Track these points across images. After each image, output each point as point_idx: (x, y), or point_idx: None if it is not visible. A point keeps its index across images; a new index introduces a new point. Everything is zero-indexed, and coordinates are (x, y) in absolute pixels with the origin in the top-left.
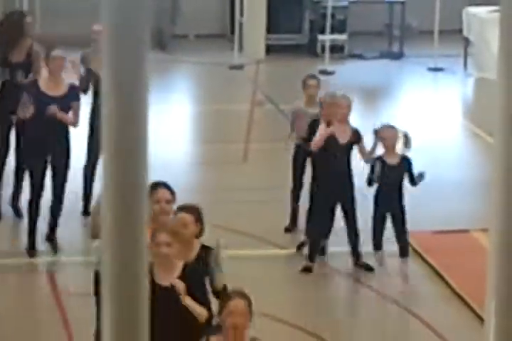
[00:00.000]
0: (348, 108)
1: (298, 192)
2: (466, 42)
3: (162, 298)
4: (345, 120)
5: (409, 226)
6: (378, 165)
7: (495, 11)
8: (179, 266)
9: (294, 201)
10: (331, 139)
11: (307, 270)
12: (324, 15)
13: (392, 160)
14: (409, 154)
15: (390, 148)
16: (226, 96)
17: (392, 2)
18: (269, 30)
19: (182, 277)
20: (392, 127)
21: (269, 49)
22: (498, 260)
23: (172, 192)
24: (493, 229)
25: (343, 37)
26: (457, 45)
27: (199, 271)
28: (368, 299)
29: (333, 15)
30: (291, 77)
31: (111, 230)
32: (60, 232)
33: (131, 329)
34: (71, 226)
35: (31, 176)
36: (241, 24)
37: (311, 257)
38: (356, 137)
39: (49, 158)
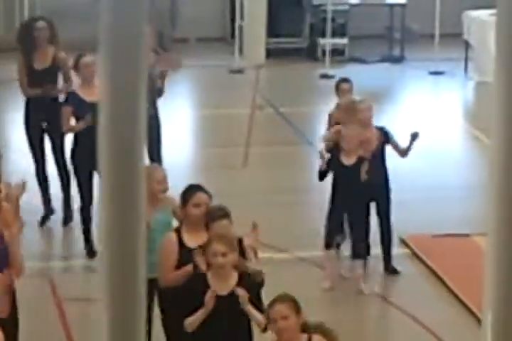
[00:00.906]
0: (369, 111)
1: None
2: (467, 45)
3: (220, 307)
4: (369, 123)
5: (410, 229)
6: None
7: (495, 14)
8: (235, 275)
9: None
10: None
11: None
12: (324, 19)
13: (349, 162)
14: (410, 158)
15: (348, 149)
16: (226, 100)
17: (393, 5)
18: (270, 33)
19: (239, 286)
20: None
21: (270, 53)
22: (495, 262)
23: (209, 195)
24: (490, 231)
25: (343, 40)
26: (458, 48)
27: (255, 281)
28: (367, 301)
29: (333, 19)
30: (291, 81)
31: (108, 232)
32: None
33: (128, 325)
34: (73, 231)
35: (81, 184)
36: (241, 28)
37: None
38: (385, 137)
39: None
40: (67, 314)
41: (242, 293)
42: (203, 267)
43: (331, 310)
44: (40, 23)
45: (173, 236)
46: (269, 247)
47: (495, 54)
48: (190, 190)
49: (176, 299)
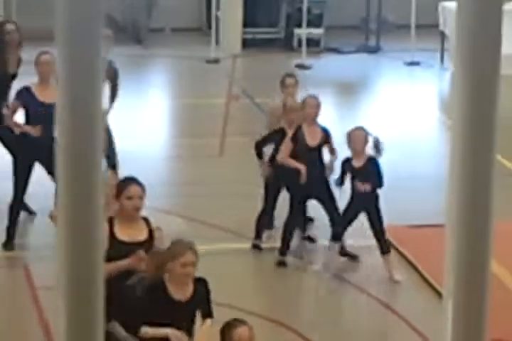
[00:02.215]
0: (317, 108)
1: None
2: (443, 36)
3: (179, 313)
4: (314, 121)
5: (385, 220)
6: (346, 167)
7: None
8: (191, 283)
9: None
10: (300, 142)
11: (282, 264)
12: (300, 10)
13: (359, 163)
14: (386, 148)
15: (358, 150)
16: (202, 90)
17: None
18: (246, 24)
19: (194, 294)
20: (361, 129)
21: (246, 43)
22: (455, 250)
23: (143, 188)
24: (449, 219)
25: (319, 31)
26: (434, 39)
27: (204, 289)
28: (342, 290)
29: (309, 10)
30: (267, 71)
31: (65, 230)
32: (35, 226)
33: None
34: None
35: (18, 177)
36: (217, 18)
37: (283, 252)
38: (326, 137)
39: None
40: (41, 302)
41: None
42: (143, 266)
43: (309, 299)
44: (9, 26)
45: (105, 227)
46: (241, 237)
47: (455, 42)
48: (124, 183)
49: (132, 307)
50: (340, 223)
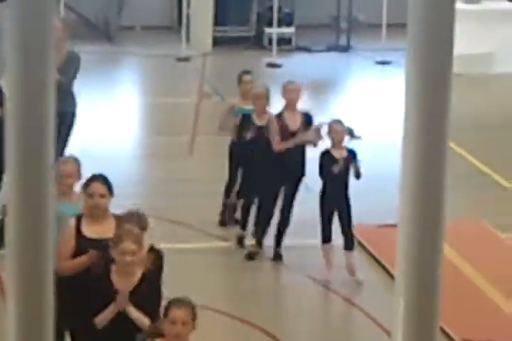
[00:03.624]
0: (298, 92)
1: (232, 187)
2: None
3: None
4: (294, 106)
5: (355, 219)
6: (326, 159)
7: None
8: (139, 273)
9: (226, 196)
10: (282, 128)
11: (253, 255)
12: (271, 8)
13: (339, 154)
14: (355, 146)
15: (337, 142)
16: (173, 88)
17: None
18: (217, 22)
19: (140, 283)
20: (339, 122)
21: (217, 41)
22: (404, 250)
23: (108, 186)
24: (400, 220)
25: (290, 29)
26: (404, 38)
27: (156, 276)
28: (310, 289)
29: (280, 8)
30: (238, 70)
31: (16, 232)
32: None
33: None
34: None
35: None
36: (188, 16)
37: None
38: (307, 122)
39: None
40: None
41: (132, 313)
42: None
43: (277, 299)
44: None
45: (72, 224)
46: (211, 236)
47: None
48: (88, 180)
49: (76, 293)
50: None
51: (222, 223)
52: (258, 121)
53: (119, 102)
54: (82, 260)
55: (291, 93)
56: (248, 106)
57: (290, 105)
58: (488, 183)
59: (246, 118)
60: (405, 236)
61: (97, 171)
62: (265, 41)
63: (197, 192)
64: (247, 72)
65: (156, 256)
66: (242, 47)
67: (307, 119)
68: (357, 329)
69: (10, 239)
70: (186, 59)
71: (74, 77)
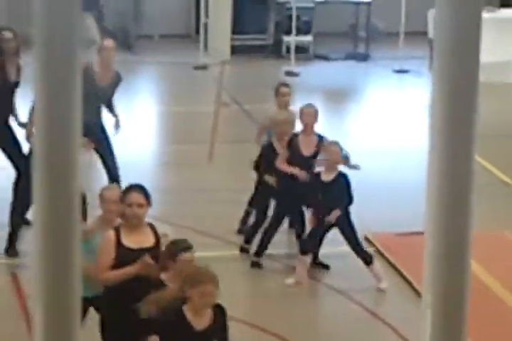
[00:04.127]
0: (314, 117)
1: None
2: (432, 44)
3: (192, 340)
4: (311, 130)
5: (373, 227)
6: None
7: None
8: (210, 311)
9: (249, 205)
10: (294, 152)
11: (256, 265)
12: (290, 16)
13: (328, 178)
14: (374, 157)
15: (332, 164)
16: (191, 96)
17: (358, 3)
18: (234, 30)
19: (212, 322)
20: (335, 144)
21: (234, 49)
22: (432, 250)
23: (146, 196)
24: (428, 222)
25: (308, 38)
26: (423, 46)
27: (222, 313)
28: (327, 296)
29: (298, 16)
30: (255, 78)
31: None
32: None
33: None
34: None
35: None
36: (206, 24)
37: (260, 253)
38: (321, 147)
39: None
40: (31, 310)
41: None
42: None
43: (290, 304)
44: (7, 34)
45: (112, 234)
46: (230, 244)
47: (435, 49)
48: (126, 190)
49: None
50: (312, 237)
51: (241, 231)
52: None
53: (137, 110)
54: (129, 270)
55: (307, 117)
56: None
57: (306, 129)
58: (510, 193)
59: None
60: (432, 250)
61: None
62: (283, 49)
63: (215, 201)
64: (285, 85)
65: (220, 313)
66: (260, 55)
67: (320, 141)
68: (377, 338)
69: (37, 250)
70: (204, 67)
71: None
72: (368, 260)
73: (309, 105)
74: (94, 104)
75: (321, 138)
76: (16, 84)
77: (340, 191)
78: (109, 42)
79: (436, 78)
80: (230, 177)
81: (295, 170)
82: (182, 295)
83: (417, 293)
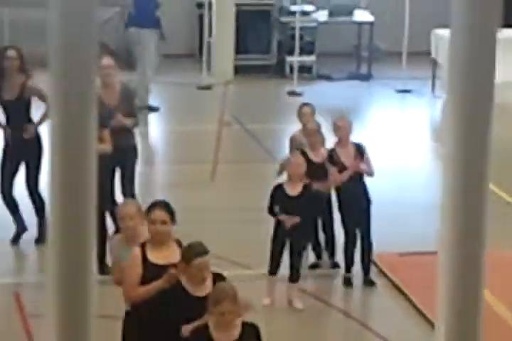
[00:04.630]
0: (349, 129)
1: None
2: (434, 64)
3: None
4: (346, 142)
5: (376, 247)
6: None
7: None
8: (238, 325)
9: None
10: (337, 164)
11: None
12: (293, 36)
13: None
14: (376, 176)
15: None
16: (194, 116)
17: (361, 23)
18: (238, 50)
19: (241, 336)
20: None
21: (238, 69)
22: (447, 276)
23: (170, 213)
24: (442, 245)
25: (311, 58)
26: (425, 67)
27: (253, 331)
28: (328, 314)
29: (301, 37)
30: (259, 98)
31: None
32: (28, 253)
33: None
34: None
35: None
36: (209, 44)
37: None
38: (360, 153)
39: None
40: (33, 330)
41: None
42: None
43: (297, 325)
44: (10, 53)
45: (138, 251)
46: (234, 264)
47: (447, 71)
48: (150, 207)
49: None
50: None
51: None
52: (314, 157)
53: (140, 130)
54: (155, 285)
55: (341, 130)
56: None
57: (342, 141)
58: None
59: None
60: (446, 269)
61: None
62: (286, 69)
63: (218, 220)
64: (307, 104)
65: (251, 331)
66: (263, 75)
67: (360, 150)
68: None
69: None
70: (208, 87)
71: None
72: (294, 278)
73: (342, 118)
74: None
75: (359, 146)
76: (13, 102)
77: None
78: (106, 61)
79: (450, 100)
80: (233, 197)
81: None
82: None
83: (420, 313)
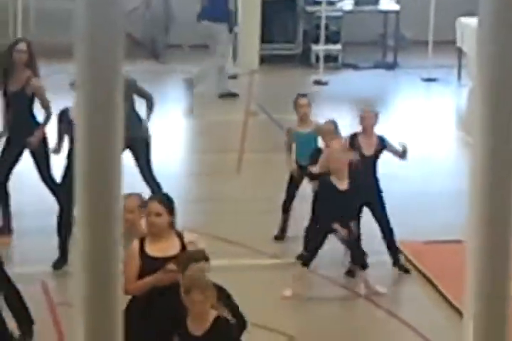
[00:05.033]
0: (375, 119)
1: (289, 203)
2: (460, 52)
3: None
4: (370, 132)
5: (402, 236)
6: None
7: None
8: (211, 318)
9: (284, 212)
10: (356, 151)
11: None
12: (318, 26)
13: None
14: (402, 165)
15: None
16: (220, 106)
17: (387, 12)
18: (263, 40)
19: (211, 328)
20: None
21: (263, 59)
22: (475, 262)
23: (167, 205)
24: (470, 234)
25: (337, 47)
26: (451, 55)
27: (226, 325)
28: (356, 303)
29: (327, 26)
30: (285, 87)
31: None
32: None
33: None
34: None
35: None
36: (235, 34)
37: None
38: (382, 145)
39: None
40: (61, 319)
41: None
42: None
43: (320, 311)
44: (21, 45)
45: (136, 244)
46: (260, 253)
47: (475, 60)
48: (148, 199)
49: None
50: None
51: (279, 238)
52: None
53: (166, 120)
54: (153, 279)
55: (367, 120)
56: (306, 130)
57: (366, 131)
58: None
59: (305, 144)
60: (474, 258)
61: (145, 190)
62: (312, 59)
63: (244, 210)
64: (304, 95)
65: (223, 324)
66: (288, 64)
67: (382, 143)
68: None
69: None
70: (233, 77)
71: (132, 103)
72: (366, 265)
73: (368, 108)
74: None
75: (382, 139)
76: (17, 95)
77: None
78: None
79: (477, 88)
80: (259, 187)
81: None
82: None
83: (447, 301)
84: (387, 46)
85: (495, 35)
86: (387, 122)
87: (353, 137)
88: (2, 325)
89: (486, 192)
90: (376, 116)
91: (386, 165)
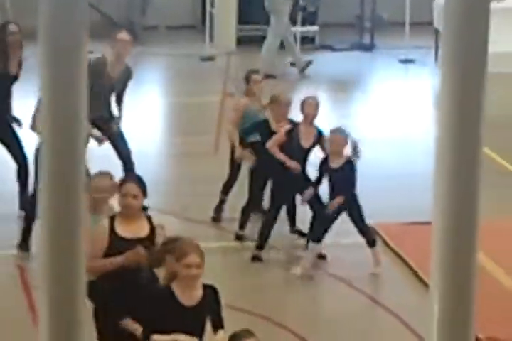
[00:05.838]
0: (316, 109)
1: (231, 184)
2: (437, 33)
3: (186, 318)
4: (311, 121)
5: (379, 217)
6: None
7: None
8: (200, 287)
9: (223, 193)
10: (293, 141)
11: (257, 258)
12: (295, 7)
13: (336, 164)
14: (379, 146)
15: (335, 152)
16: (197, 87)
17: None
18: (240, 21)
19: (202, 299)
20: (341, 132)
21: (240, 40)
22: (439, 241)
23: (142, 187)
24: (435, 215)
25: (314, 28)
26: (428, 36)
27: (213, 292)
28: (330, 285)
29: (304, 7)
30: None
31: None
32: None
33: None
34: None
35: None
36: (212, 15)
37: (261, 246)
38: (319, 139)
39: None
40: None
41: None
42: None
43: (302, 292)
44: (12, 27)
45: (106, 223)
46: (233, 234)
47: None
48: (122, 180)
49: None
50: (323, 223)
51: (217, 219)
52: (275, 127)
53: (143, 102)
54: (117, 260)
55: (309, 108)
56: (256, 107)
57: (307, 119)
58: None
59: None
60: (439, 240)
61: (120, 170)
62: None
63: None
64: (256, 72)
65: (212, 292)
66: None
67: (319, 135)
68: (382, 326)
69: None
70: (210, 58)
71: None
72: (371, 242)
73: (312, 96)
74: (102, 97)
75: (320, 133)
76: (16, 78)
77: (347, 178)
78: (124, 35)
79: (444, 67)
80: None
81: (292, 163)
82: (170, 272)
83: (423, 282)
84: (364, 27)
85: (460, 15)
86: (364, 103)
87: (293, 127)
88: None
89: (453, 171)
90: (317, 105)
91: (363, 146)
